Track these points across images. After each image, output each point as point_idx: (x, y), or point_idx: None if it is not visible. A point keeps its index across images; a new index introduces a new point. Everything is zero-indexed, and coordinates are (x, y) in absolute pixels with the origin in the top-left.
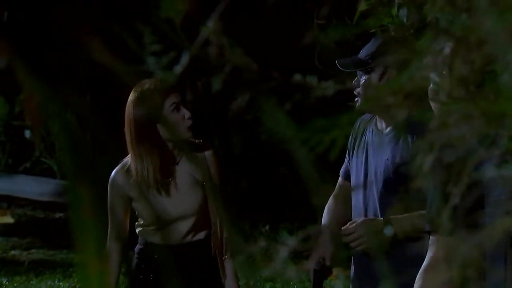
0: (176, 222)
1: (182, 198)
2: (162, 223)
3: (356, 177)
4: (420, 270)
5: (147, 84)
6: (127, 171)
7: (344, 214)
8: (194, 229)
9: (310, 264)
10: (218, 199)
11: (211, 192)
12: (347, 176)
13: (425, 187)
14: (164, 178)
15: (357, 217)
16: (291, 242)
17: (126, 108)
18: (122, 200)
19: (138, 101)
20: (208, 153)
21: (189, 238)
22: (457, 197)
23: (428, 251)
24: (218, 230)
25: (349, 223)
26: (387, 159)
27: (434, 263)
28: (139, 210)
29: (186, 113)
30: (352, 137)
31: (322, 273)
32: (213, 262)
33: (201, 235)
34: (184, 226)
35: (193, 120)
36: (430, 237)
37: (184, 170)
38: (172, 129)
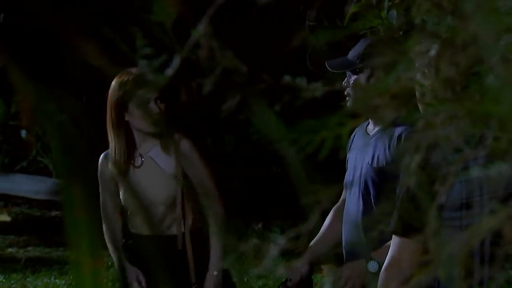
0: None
1: (148, 188)
2: (131, 209)
3: (346, 181)
4: (382, 268)
5: (131, 72)
6: (107, 156)
7: (340, 226)
8: (164, 223)
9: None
10: (209, 195)
11: (186, 187)
12: None
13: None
14: (127, 164)
15: (345, 221)
16: (281, 240)
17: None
18: (107, 185)
19: (116, 86)
20: (185, 147)
21: (159, 231)
22: (442, 197)
23: (389, 250)
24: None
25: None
26: (368, 162)
27: (394, 262)
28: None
29: (154, 109)
30: (348, 145)
31: None
32: (183, 260)
33: (174, 231)
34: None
35: (172, 117)
36: (393, 236)
37: (152, 160)
38: (137, 121)
